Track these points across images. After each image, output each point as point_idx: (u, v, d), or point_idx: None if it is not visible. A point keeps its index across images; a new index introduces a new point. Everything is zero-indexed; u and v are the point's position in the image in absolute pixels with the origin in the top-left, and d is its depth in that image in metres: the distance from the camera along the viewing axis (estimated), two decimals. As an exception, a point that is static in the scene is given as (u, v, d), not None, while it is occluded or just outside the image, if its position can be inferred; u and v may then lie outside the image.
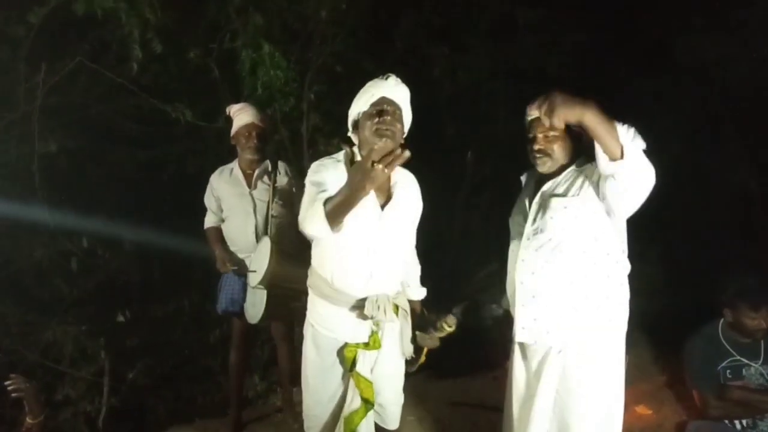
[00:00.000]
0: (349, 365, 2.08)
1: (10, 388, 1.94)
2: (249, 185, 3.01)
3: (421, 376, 3.48)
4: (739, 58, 4.31)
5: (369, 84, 2.06)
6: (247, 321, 2.85)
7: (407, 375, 2.30)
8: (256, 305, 2.72)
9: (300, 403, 2.48)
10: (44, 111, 3.59)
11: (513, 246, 2.15)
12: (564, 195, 2.00)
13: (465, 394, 3.50)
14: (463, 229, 5.33)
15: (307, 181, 2.03)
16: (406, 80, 2.08)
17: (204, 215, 3.17)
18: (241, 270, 2.93)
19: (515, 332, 2.08)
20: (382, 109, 2.00)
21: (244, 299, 2.87)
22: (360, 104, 2.05)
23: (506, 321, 2.22)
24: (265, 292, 2.62)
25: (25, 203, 3.63)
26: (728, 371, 2.72)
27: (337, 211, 1.80)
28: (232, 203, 3.01)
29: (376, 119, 1.99)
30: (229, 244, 3.03)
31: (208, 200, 3.11)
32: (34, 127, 3.53)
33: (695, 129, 4.67)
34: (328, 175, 1.99)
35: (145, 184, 4.51)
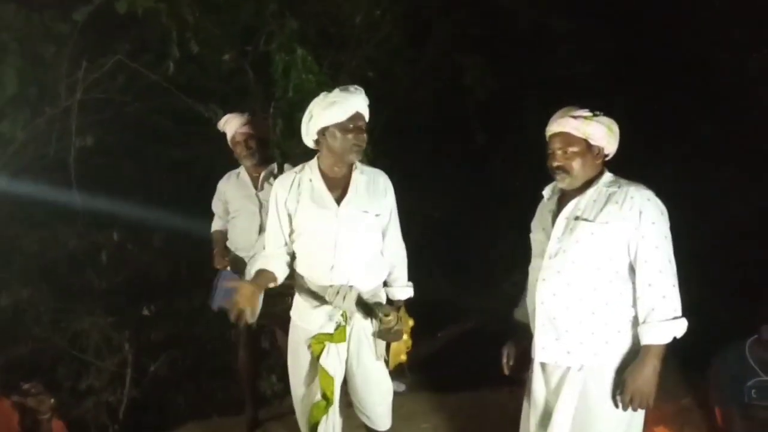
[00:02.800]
0: (316, 356, 2.15)
1: (32, 391, 2.07)
2: (256, 187, 3.08)
3: (435, 388, 3.47)
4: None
5: (339, 95, 2.11)
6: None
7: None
8: None
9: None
10: (83, 106, 3.70)
11: (534, 262, 2.10)
12: (592, 220, 1.92)
13: (480, 407, 3.46)
14: (491, 238, 5.28)
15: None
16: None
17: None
18: (238, 267, 2.99)
19: (535, 352, 2.03)
20: (357, 125, 2.10)
21: None
22: (333, 115, 2.10)
23: (521, 332, 2.17)
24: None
25: (61, 195, 3.74)
26: (753, 391, 2.64)
27: None
28: (240, 205, 3.09)
29: (352, 135, 2.10)
30: (233, 243, 3.10)
31: (215, 205, 3.23)
32: (72, 122, 3.63)
33: (730, 142, 4.55)
34: (277, 197, 2.20)
35: (176, 182, 4.60)
